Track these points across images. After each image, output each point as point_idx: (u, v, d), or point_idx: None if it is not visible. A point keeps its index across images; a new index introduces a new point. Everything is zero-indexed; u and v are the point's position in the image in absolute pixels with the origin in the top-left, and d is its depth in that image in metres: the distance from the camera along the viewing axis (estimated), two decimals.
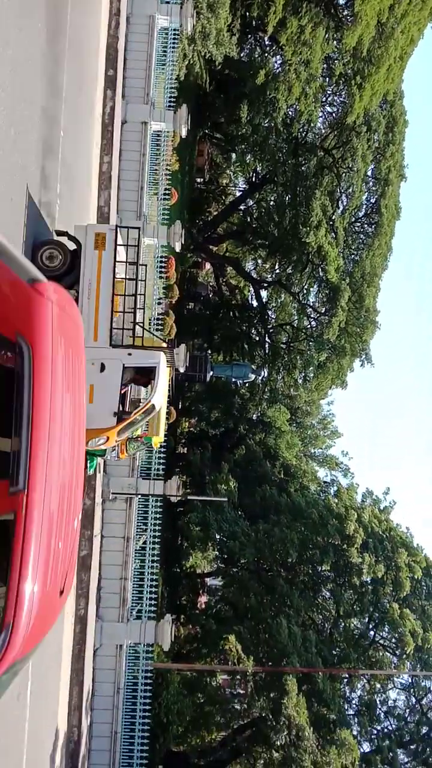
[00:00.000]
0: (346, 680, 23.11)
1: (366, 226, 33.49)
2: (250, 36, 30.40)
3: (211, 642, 24.26)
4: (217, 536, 25.40)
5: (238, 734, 23.35)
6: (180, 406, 37.10)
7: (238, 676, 20.85)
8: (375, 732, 22.95)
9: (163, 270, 19.71)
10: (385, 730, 23.28)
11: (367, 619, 24.00)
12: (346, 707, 22.34)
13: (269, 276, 39.37)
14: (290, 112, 29.47)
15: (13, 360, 4.97)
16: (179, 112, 19.54)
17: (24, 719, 11.96)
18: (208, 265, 43.75)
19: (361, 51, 26.45)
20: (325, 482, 35.99)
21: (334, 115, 32.23)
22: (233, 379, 35.86)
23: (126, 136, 18.37)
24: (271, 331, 36.62)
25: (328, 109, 32.68)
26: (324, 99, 31.50)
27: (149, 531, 18.39)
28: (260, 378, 36.48)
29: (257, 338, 36.86)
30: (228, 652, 19.46)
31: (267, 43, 30.55)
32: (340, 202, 32.51)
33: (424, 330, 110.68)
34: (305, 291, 34.27)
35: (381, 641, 24.03)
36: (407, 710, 23.86)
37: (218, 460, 32.62)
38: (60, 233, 11.09)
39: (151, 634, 17.38)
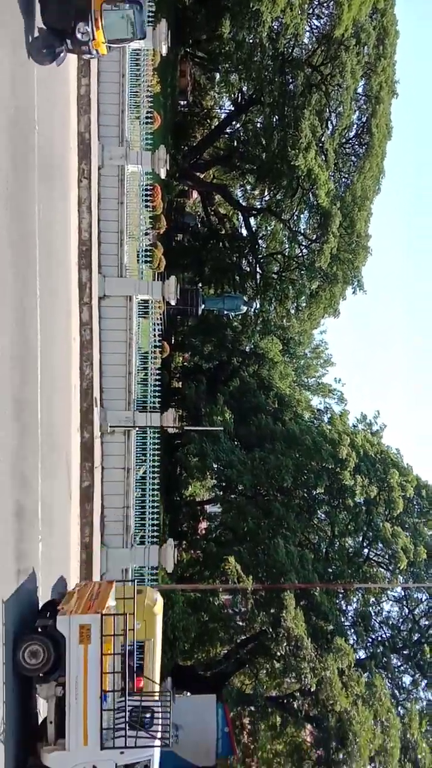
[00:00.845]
0: (342, 595, 24.33)
1: (356, 147, 32.47)
2: None
3: (212, 564, 25.32)
4: (215, 465, 26.01)
5: (241, 648, 24.75)
6: (173, 340, 37.03)
7: (239, 595, 21.90)
8: (370, 640, 24.38)
9: (148, 199, 19.18)
10: (380, 638, 24.72)
11: (361, 538, 25.03)
12: (342, 619, 23.62)
13: (258, 203, 38.43)
14: (275, 26, 27.89)
15: None
16: (158, 28, 18.48)
17: None
18: (195, 194, 42.56)
19: None
20: (318, 410, 36.56)
21: (321, 28, 30.58)
22: (225, 312, 35.64)
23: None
24: (262, 261, 36.11)
25: (315, 22, 30.99)
26: (311, 11, 29.79)
27: (148, 462, 18.80)
28: (252, 309, 36.28)
29: (248, 269, 36.39)
30: (228, 572, 20.36)
31: None
32: (329, 122, 31.33)
33: (415, 254, 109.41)
34: (295, 218, 33.58)
35: (375, 558, 25.15)
36: (400, 620, 25.27)
37: (213, 392, 32.92)
38: (43, 627, 10.65)
39: (155, 558, 18.10)
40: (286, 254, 35.20)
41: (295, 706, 20.82)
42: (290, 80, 29.55)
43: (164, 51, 19.30)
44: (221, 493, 28.77)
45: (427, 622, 24.82)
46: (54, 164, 14.35)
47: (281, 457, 24.58)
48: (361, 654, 23.65)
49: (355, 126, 32.41)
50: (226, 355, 38.35)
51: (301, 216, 34.12)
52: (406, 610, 25.05)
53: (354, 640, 23.25)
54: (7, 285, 11.04)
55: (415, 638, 24.38)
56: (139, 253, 18.95)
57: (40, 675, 10.55)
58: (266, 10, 25.49)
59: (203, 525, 33.59)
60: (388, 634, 24.69)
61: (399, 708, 21.79)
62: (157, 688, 13.67)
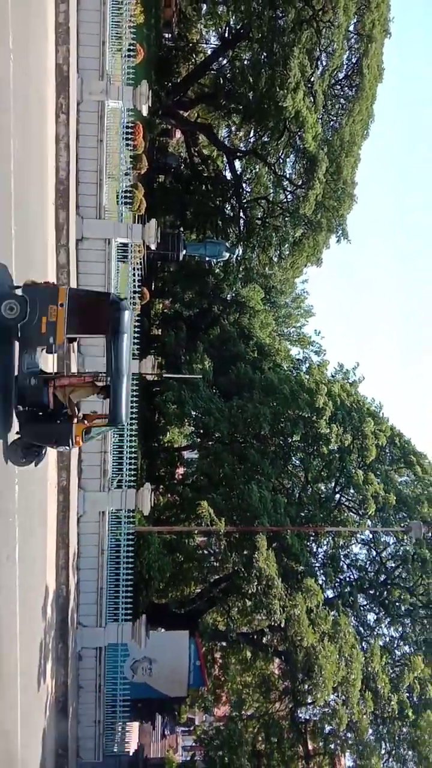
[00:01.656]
0: (312, 538, 25.20)
1: (346, 89, 31.50)
2: None
3: (188, 508, 25.95)
4: (193, 413, 26.25)
5: (214, 587, 25.69)
6: (153, 287, 36.60)
7: (214, 537, 22.58)
8: (338, 581, 25.44)
9: (129, 137, 18.55)
10: (347, 579, 25.80)
11: (333, 484, 25.73)
12: (312, 561, 24.53)
13: (244, 145, 37.39)
14: None
15: None
16: None
17: (14, 577, 12.97)
18: (178, 134, 41.20)
19: None
20: (297, 360, 36.77)
21: None
22: (207, 258, 35.16)
23: None
24: (245, 205, 35.43)
25: None
26: None
27: None
28: (235, 256, 35.85)
29: (231, 214, 35.74)
30: (202, 516, 20.91)
31: None
32: (319, 61, 30.24)
33: (400, 204, 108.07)
34: (281, 161, 32.83)
35: (346, 503, 25.96)
36: (368, 562, 26.34)
37: (193, 340, 32.87)
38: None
39: (132, 501, 18.47)
40: (271, 199, 34.56)
41: (265, 641, 21.86)
42: (280, 15, 28.26)
43: None
44: (199, 439, 29.18)
45: (393, 564, 25.91)
46: (30, 97, 13.75)
47: (259, 406, 24.87)
48: (330, 593, 24.72)
49: (346, 66, 31.38)
50: (207, 303, 38.09)
51: (287, 160, 33.37)
52: (374, 553, 26.08)
53: (323, 580, 24.23)
54: None
55: (381, 579, 25.49)
56: (119, 195, 18.45)
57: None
58: None
59: (180, 470, 34.19)
60: (355, 575, 25.77)
61: (363, 643, 22.99)
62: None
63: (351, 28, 29.94)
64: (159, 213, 32.61)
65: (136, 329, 18.94)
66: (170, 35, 37.78)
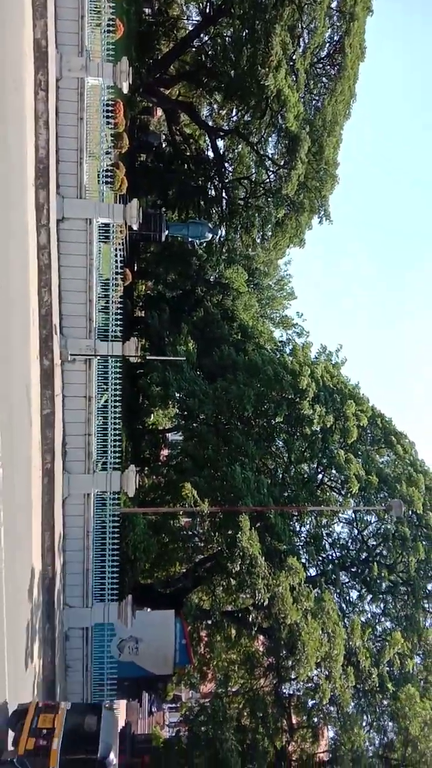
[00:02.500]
0: (296, 517, 25.50)
1: (328, 67, 31.24)
2: None
3: (173, 489, 26.07)
4: (177, 395, 26.25)
5: (199, 566, 25.93)
6: (135, 267, 36.30)
7: (198, 518, 22.73)
8: (321, 559, 25.83)
9: (110, 115, 18.25)
10: (330, 557, 26.20)
11: (316, 464, 26.00)
12: (295, 540, 24.84)
13: (226, 124, 36.99)
14: None
15: None
16: None
17: (0, 560, 13.00)
18: (159, 112, 40.60)
19: None
20: (280, 342, 36.84)
21: None
22: (190, 239, 34.91)
23: None
24: (228, 185, 35.16)
25: None
26: None
27: (110, 390, 18.84)
28: (217, 237, 35.63)
29: (214, 194, 35.44)
30: (186, 498, 21.03)
31: None
32: (301, 39, 29.89)
33: (381, 185, 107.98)
34: (263, 141, 32.57)
35: (328, 483, 26.27)
36: (350, 540, 26.75)
37: (177, 322, 32.75)
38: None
39: (117, 483, 18.52)
40: (253, 180, 34.32)
41: (249, 619, 22.16)
42: None
43: None
44: (183, 421, 29.21)
45: (374, 543, 26.35)
46: (6, 73, 13.48)
47: (243, 387, 24.95)
48: (312, 572, 25.09)
49: (328, 45, 31.06)
50: (191, 285, 37.90)
51: (270, 140, 33.08)
52: (356, 532, 26.48)
53: (306, 559, 24.57)
54: None
55: (363, 557, 25.92)
56: (100, 174, 18.20)
57: None
58: None
59: (165, 452, 34.26)
60: (338, 554, 26.17)
61: (345, 620, 23.43)
62: None
63: (333, 5, 29.60)
64: (141, 193, 32.24)
65: (119, 311, 18.82)
66: (150, 10, 37.05)
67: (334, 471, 25.24)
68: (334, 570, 25.01)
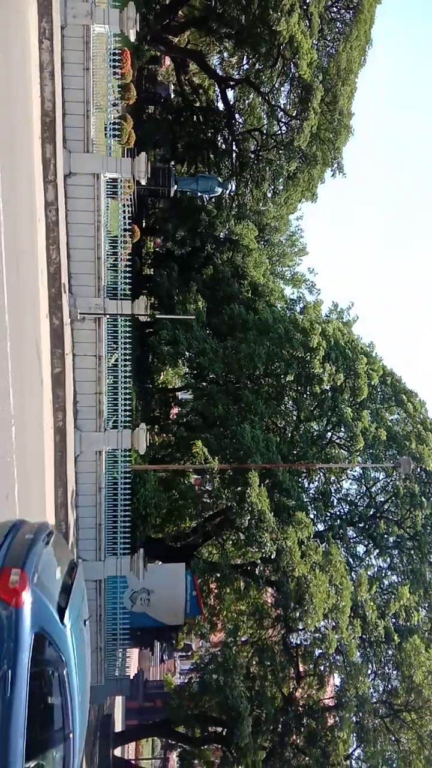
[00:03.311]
0: (304, 474, 25.80)
1: (343, 11, 29.90)
2: None
3: (183, 447, 26.37)
4: (187, 353, 26.26)
5: (209, 521, 26.45)
6: (144, 224, 35.81)
7: (207, 475, 23.07)
8: (328, 515, 26.25)
9: (117, 65, 17.67)
10: (338, 513, 26.62)
11: (325, 423, 26.12)
12: (303, 496, 25.20)
13: (236, 73, 35.78)
14: None
15: None
16: None
17: (14, 515, 13.30)
18: (168, 62, 39.27)
19: None
20: (291, 299, 36.54)
21: None
22: (199, 194, 34.24)
23: None
24: (238, 137, 34.25)
25: None
26: None
27: (120, 349, 18.86)
28: (228, 192, 34.92)
29: (224, 147, 34.58)
30: (196, 455, 21.28)
31: None
32: None
33: (397, 137, 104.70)
34: (275, 91, 31.54)
35: (337, 441, 26.44)
36: (358, 496, 27.11)
37: (186, 280, 32.48)
38: None
39: (128, 441, 18.74)
40: (264, 131, 33.40)
41: (258, 572, 22.68)
42: None
43: None
44: (193, 380, 29.30)
45: (382, 499, 26.69)
46: (10, 19, 13.03)
47: (253, 346, 24.88)
48: (320, 527, 25.54)
49: None
50: (200, 241, 37.38)
51: (281, 89, 32.03)
52: (364, 488, 26.80)
53: (314, 514, 24.98)
54: None
55: (371, 513, 26.30)
56: (107, 127, 17.74)
57: None
58: None
59: (175, 411, 34.50)
60: (345, 510, 26.56)
61: (352, 573, 23.95)
62: None
63: None
64: (149, 146, 31.48)
65: (128, 269, 18.64)
66: None
67: (343, 429, 25.38)
68: (342, 525, 25.43)
